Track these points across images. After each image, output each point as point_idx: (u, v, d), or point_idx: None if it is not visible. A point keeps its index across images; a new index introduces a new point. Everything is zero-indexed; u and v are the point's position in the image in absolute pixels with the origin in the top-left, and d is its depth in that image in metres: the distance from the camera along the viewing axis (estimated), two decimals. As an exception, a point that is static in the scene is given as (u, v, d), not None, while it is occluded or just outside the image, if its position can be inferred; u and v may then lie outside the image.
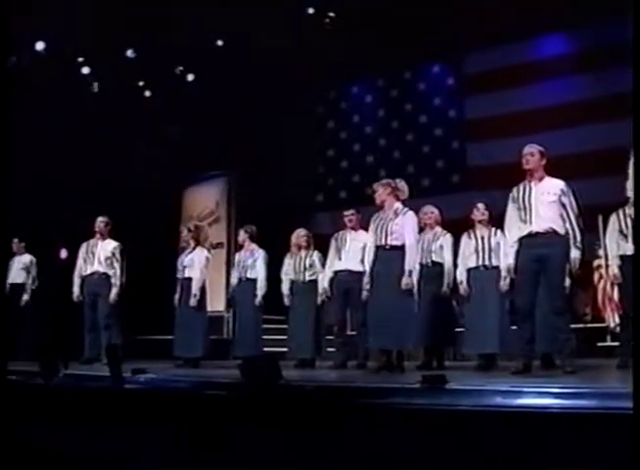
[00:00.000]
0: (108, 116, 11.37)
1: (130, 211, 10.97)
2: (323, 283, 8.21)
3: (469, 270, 7.38)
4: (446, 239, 7.68)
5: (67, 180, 11.04)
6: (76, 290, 8.92)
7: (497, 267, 6.99)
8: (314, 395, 4.64)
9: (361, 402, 4.25)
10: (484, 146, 11.75)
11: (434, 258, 7.62)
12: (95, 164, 11.30)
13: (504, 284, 6.76)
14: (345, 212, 8.30)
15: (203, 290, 8.72)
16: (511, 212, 6.19)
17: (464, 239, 7.47)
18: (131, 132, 12.06)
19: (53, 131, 10.93)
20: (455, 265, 7.52)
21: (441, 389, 4.36)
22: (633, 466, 3.06)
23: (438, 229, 7.79)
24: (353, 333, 8.12)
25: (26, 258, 10.33)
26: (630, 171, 5.85)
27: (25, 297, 10.15)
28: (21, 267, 10.28)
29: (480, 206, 7.47)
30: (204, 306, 8.74)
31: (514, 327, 6.54)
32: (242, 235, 9.03)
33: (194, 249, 8.95)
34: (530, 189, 6.10)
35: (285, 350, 8.58)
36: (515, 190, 6.19)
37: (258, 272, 8.71)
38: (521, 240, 6.04)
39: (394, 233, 6.74)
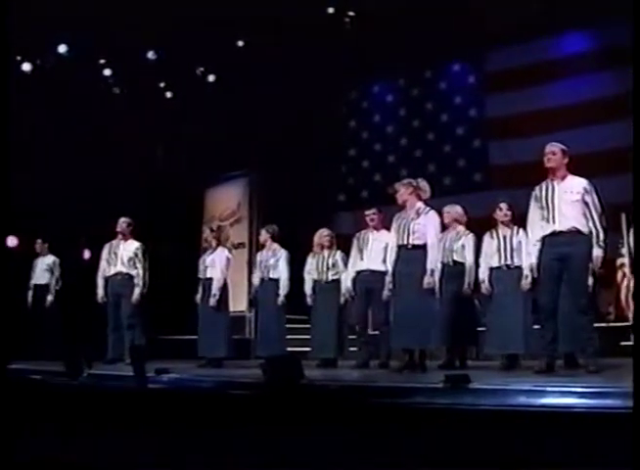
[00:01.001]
0: (130, 117, 11.43)
1: (152, 212, 11.02)
2: (346, 283, 8.21)
3: (491, 270, 7.35)
4: (468, 238, 7.65)
5: (89, 181, 11.11)
6: (100, 291, 8.97)
7: (520, 267, 6.96)
8: (336, 394, 4.64)
9: (383, 402, 4.25)
10: (506, 144, 11.69)
11: (455, 258, 7.60)
12: (117, 165, 11.37)
13: (526, 283, 6.73)
14: (367, 212, 8.28)
15: (224, 290, 8.73)
16: (533, 211, 6.17)
17: (486, 238, 7.45)
18: (153, 133, 12.11)
19: (76, 132, 11.01)
20: (477, 265, 7.50)
21: (464, 388, 4.35)
22: (634, 466, 3.07)
23: (461, 228, 7.76)
24: (376, 332, 8.12)
25: (50, 258, 10.42)
26: None
27: (49, 297, 10.25)
28: (44, 268, 10.38)
29: (503, 205, 7.44)
30: (226, 307, 8.75)
31: (536, 326, 6.52)
32: (263, 235, 9.04)
33: (215, 249, 8.96)
34: (553, 188, 6.07)
35: (307, 349, 8.58)
36: (537, 189, 6.16)
37: (281, 272, 8.71)
38: (543, 239, 6.02)
39: (416, 233, 6.73)
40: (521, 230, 7.08)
